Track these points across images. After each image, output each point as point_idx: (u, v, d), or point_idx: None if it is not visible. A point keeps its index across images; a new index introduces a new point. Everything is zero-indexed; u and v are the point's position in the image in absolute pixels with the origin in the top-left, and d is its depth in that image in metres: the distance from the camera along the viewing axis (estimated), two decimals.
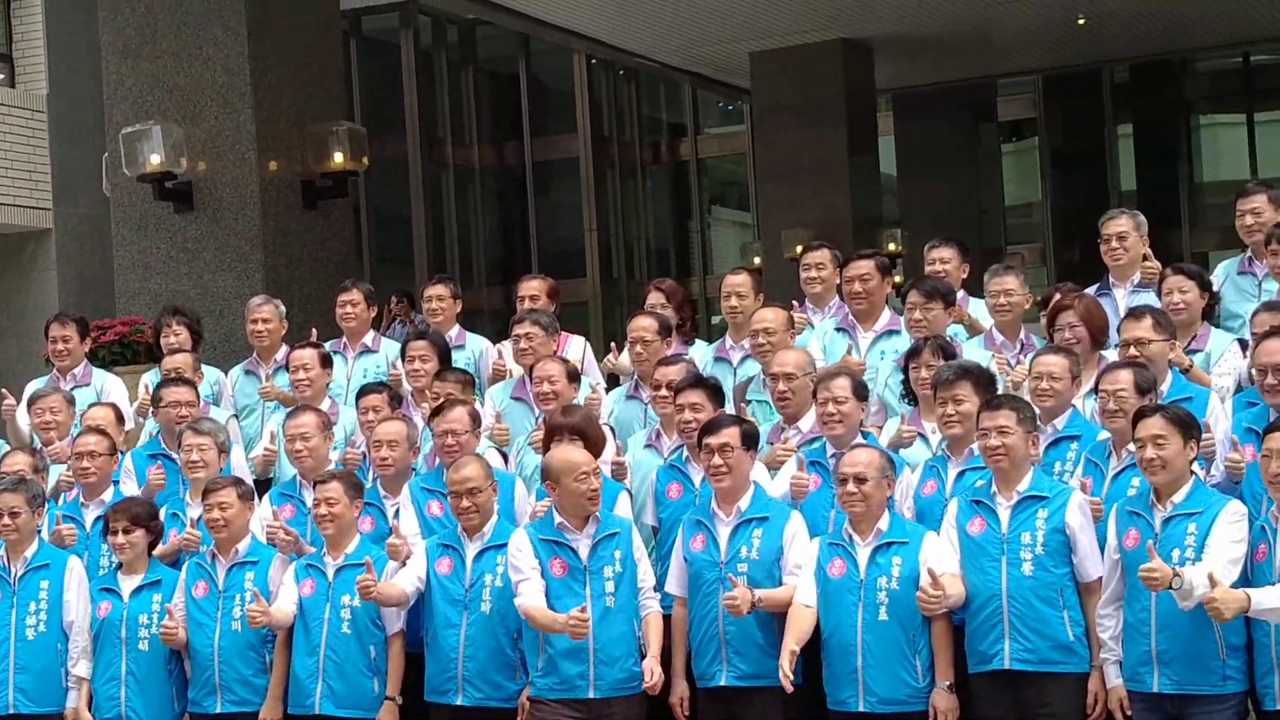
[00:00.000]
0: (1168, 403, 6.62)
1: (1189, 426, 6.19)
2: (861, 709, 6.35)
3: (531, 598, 6.46)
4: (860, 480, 6.38)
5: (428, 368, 8.57)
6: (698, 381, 7.39)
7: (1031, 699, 6.24)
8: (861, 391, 7.15)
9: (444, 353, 8.74)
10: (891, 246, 19.30)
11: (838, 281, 8.92)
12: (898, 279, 12.97)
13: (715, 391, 7.40)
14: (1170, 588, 5.83)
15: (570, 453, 6.71)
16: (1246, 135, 22.31)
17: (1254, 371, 6.87)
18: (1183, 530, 6.09)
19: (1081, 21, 18.82)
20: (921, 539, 6.42)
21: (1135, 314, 7.26)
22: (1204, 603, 5.77)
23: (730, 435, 6.70)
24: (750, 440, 6.78)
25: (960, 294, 8.77)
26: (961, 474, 6.77)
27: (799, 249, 10.34)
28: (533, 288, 9.51)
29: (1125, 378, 6.64)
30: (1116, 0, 17.97)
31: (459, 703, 6.71)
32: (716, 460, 6.70)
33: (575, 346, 9.32)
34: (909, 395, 7.48)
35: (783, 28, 17.99)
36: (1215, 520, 6.07)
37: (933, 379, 7.06)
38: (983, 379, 6.89)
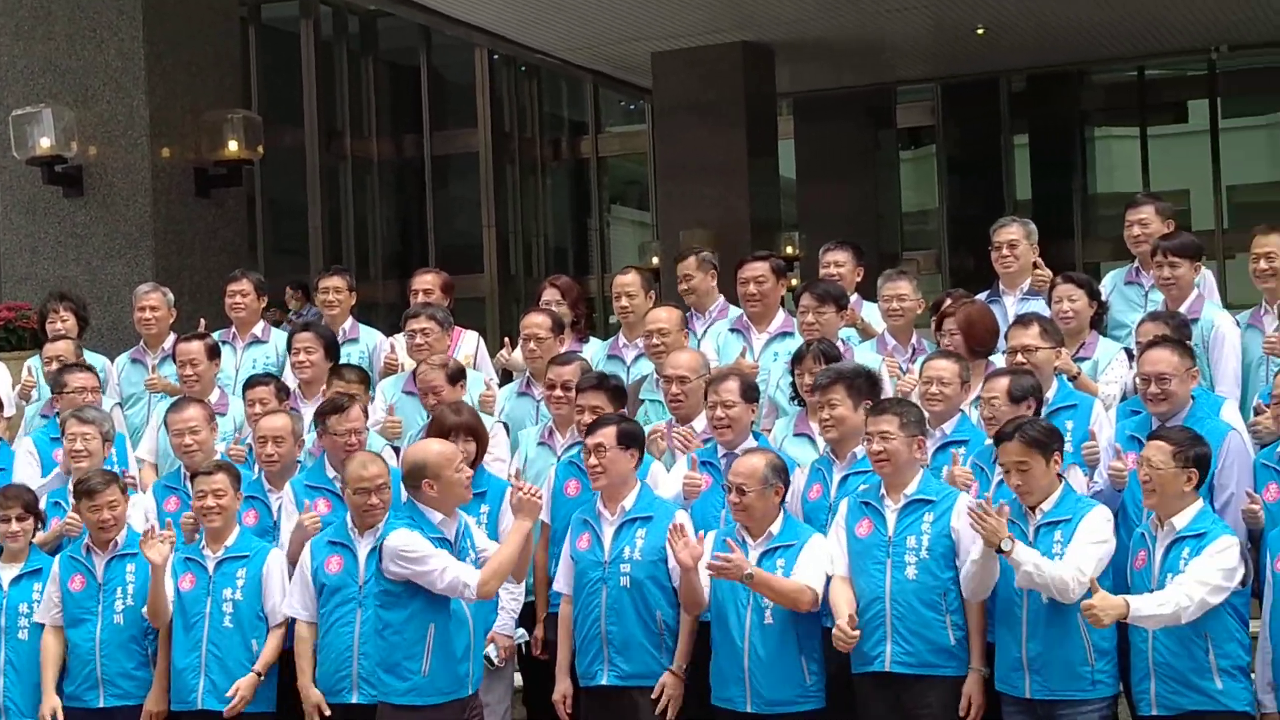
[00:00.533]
0: (1047, 413, 6.74)
1: (1047, 444, 6.25)
2: (749, 709, 6.37)
3: (468, 568, 6.22)
4: (741, 491, 6.42)
5: (314, 359, 8.51)
6: (600, 383, 7.37)
7: (911, 701, 6.29)
8: (751, 394, 7.16)
9: (330, 344, 8.67)
10: (789, 249, 19.36)
11: (713, 284, 9.00)
12: (794, 281, 13.02)
13: (616, 393, 7.39)
14: (1000, 549, 5.98)
15: (437, 445, 6.52)
16: (1140, 148, 22.62)
17: (1137, 380, 6.97)
18: (1050, 539, 6.17)
19: (980, 32, 18.98)
20: (806, 542, 6.45)
21: (1022, 321, 7.34)
22: (1083, 609, 5.85)
23: (605, 435, 6.71)
24: (628, 439, 6.76)
25: (854, 298, 8.83)
26: (845, 478, 6.82)
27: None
28: (427, 281, 9.48)
29: (1001, 386, 6.73)
30: (1015, 11, 18.14)
31: (354, 700, 6.61)
32: (592, 460, 6.72)
33: (469, 341, 9.30)
34: (798, 397, 7.53)
35: (685, 29, 18.01)
36: (1077, 528, 6.18)
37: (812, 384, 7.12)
38: (857, 382, 6.90)
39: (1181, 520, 6.07)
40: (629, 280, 8.82)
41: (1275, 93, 21.75)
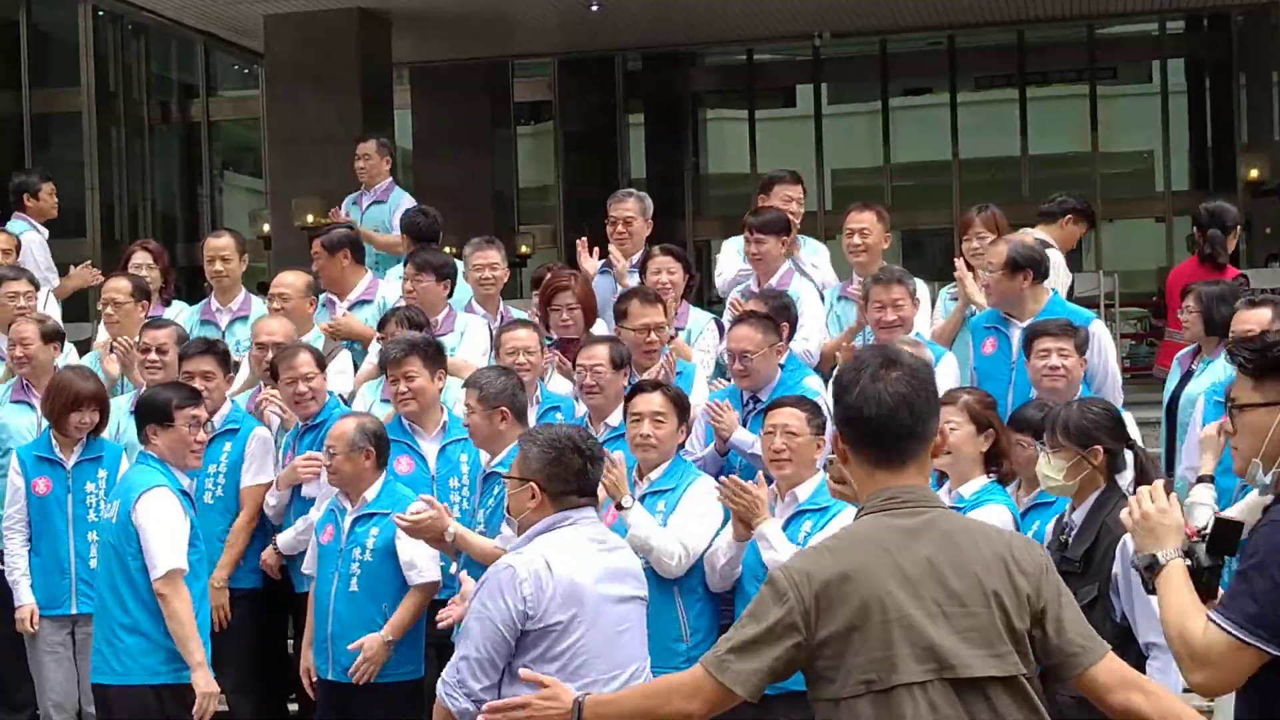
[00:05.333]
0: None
1: (685, 407, 6.39)
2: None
3: None
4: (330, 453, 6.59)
5: None
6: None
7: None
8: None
9: None
10: None
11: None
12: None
13: None
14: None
15: None
16: (748, 130, 23.24)
17: (726, 355, 7.20)
18: (652, 507, 6.25)
19: (595, 9, 19.12)
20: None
21: (649, 299, 7.53)
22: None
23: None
24: None
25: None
26: (445, 447, 6.85)
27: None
28: (1, 241, 9.37)
29: (601, 353, 6.83)
30: None
31: None
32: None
33: (54, 303, 9.25)
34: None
35: None
36: (682, 494, 6.28)
37: (380, 354, 7.18)
38: (430, 351, 6.95)
39: (804, 491, 6.06)
40: (223, 243, 8.74)
41: (873, 80, 22.66)
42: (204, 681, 6.14)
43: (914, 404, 3.48)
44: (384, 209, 10.40)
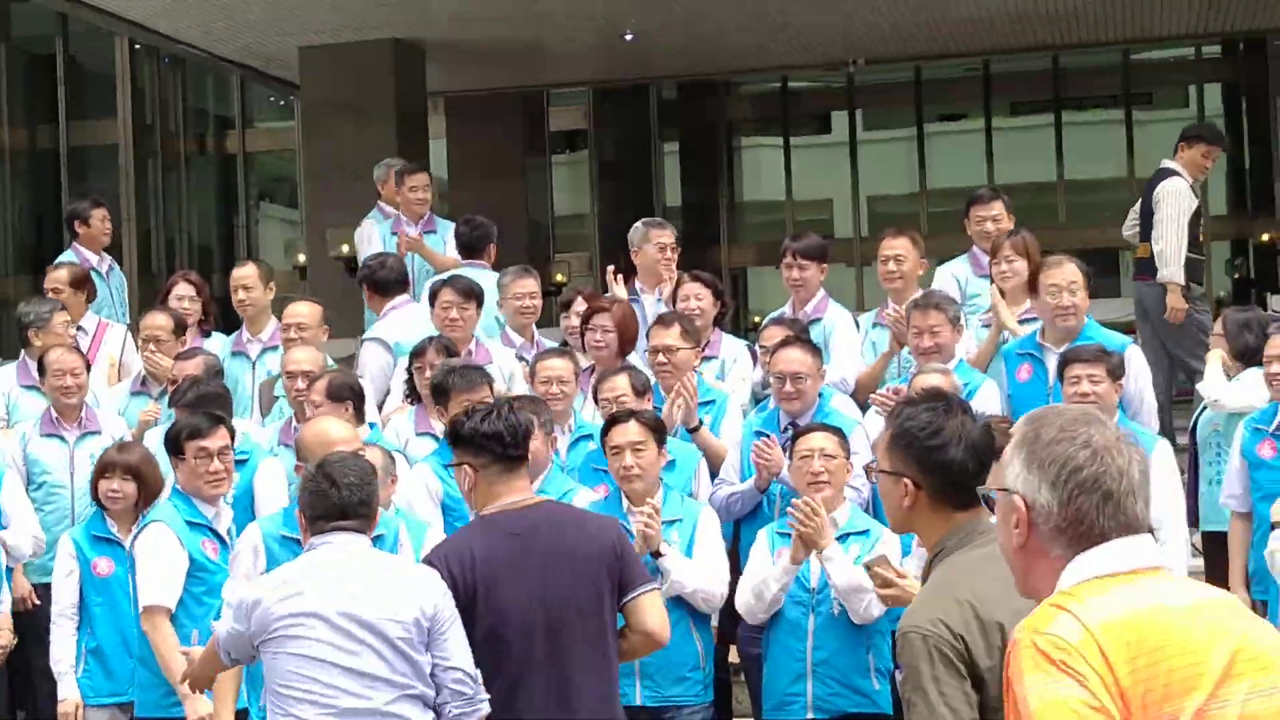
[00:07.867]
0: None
1: (662, 431, 6.37)
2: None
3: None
4: None
5: None
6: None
7: None
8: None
9: None
10: None
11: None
12: None
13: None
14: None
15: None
16: (784, 158, 23.20)
17: (772, 378, 7.16)
18: (667, 536, 6.23)
19: (629, 38, 19.14)
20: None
21: (664, 321, 7.49)
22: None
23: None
24: None
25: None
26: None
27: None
28: (59, 279, 9.34)
29: (622, 383, 6.85)
30: (662, 18, 18.36)
31: None
32: None
33: (115, 336, 9.27)
34: (412, 395, 7.51)
35: (333, 24, 17.69)
36: (695, 526, 6.28)
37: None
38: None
39: (841, 515, 6.16)
40: (246, 273, 8.81)
41: (908, 107, 22.59)
42: (190, 711, 6.02)
43: (992, 446, 3.61)
44: (437, 238, 10.39)
